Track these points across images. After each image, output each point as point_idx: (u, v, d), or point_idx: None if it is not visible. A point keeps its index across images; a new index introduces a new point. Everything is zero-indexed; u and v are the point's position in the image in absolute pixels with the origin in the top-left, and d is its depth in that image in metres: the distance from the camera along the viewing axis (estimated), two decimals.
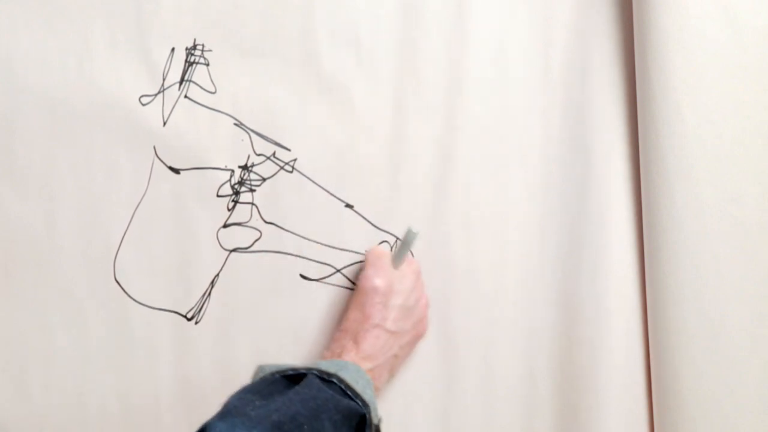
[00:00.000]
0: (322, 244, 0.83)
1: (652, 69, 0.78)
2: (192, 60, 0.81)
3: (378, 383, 0.75)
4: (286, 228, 0.83)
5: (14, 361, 0.80)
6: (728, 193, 0.77)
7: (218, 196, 0.82)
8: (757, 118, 0.77)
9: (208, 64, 0.82)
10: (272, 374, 0.66)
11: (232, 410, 0.60)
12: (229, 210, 0.82)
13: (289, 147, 0.83)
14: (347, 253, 0.83)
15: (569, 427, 0.83)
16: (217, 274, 0.82)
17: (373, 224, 0.83)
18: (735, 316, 0.77)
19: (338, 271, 0.83)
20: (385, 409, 0.83)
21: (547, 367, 0.84)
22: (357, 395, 0.66)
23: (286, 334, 0.82)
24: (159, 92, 0.81)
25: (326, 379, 0.66)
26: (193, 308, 0.81)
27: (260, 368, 0.69)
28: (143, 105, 0.81)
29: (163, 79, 0.81)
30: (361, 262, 0.83)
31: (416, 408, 0.84)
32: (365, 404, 0.66)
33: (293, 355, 0.82)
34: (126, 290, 0.80)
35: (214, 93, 0.82)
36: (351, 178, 0.83)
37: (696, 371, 0.77)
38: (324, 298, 0.83)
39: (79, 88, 0.80)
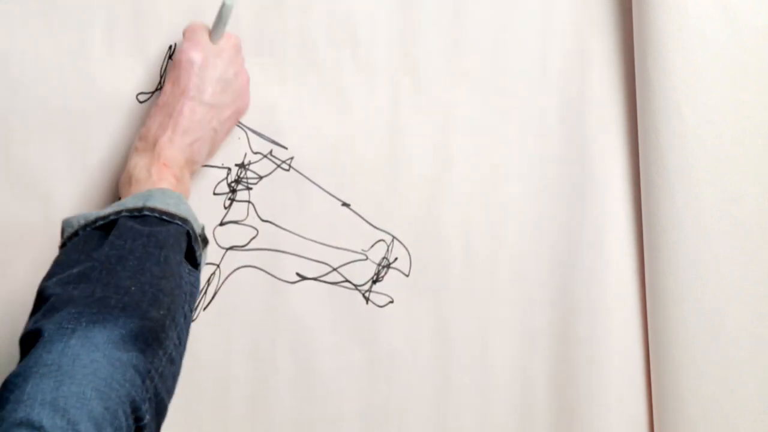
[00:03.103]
0: (318, 242, 0.83)
1: (652, 69, 0.78)
2: None
3: (198, 157, 0.75)
4: (282, 226, 0.82)
5: (9, 359, 0.79)
6: (728, 193, 0.77)
7: (215, 194, 0.82)
8: (757, 118, 0.77)
9: None
10: (82, 229, 0.65)
11: (55, 303, 0.58)
12: (225, 208, 0.82)
13: (286, 145, 0.83)
14: (344, 251, 0.83)
15: (567, 427, 0.83)
16: (214, 272, 0.81)
17: (369, 223, 0.83)
18: (735, 316, 0.77)
19: (335, 269, 0.83)
20: (379, 409, 0.83)
21: (544, 368, 0.84)
22: (174, 216, 0.66)
23: (283, 332, 0.82)
24: (156, 90, 0.81)
25: (138, 215, 0.65)
26: None
27: (66, 222, 0.67)
28: (140, 102, 0.81)
29: (161, 77, 0.81)
30: (358, 261, 0.83)
31: (412, 407, 0.83)
32: (184, 220, 0.66)
33: (289, 353, 0.82)
34: None
35: None
36: (348, 176, 0.83)
37: (696, 371, 0.77)
38: (320, 296, 0.82)
39: (76, 85, 0.80)
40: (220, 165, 0.81)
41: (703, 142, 0.77)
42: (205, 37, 0.76)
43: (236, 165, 0.82)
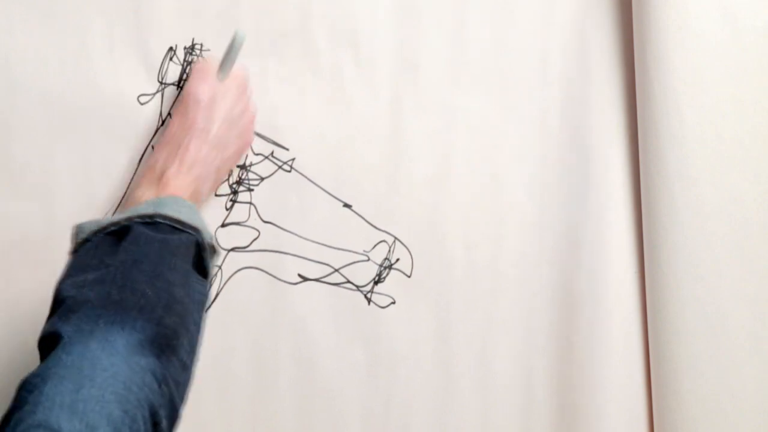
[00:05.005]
0: (320, 243, 0.83)
1: (652, 69, 0.78)
2: (190, 59, 0.81)
3: (201, 194, 0.75)
4: (284, 227, 0.82)
5: (11, 358, 0.79)
6: (728, 193, 0.77)
7: (216, 195, 0.82)
8: (757, 118, 0.77)
9: None
10: (94, 234, 0.65)
11: (71, 305, 0.58)
12: (227, 209, 0.82)
13: (287, 146, 0.83)
14: (345, 252, 0.83)
15: (568, 427, 0.83)
16: (215, 274, 0.81)
17: (371, 224, 0.83)
18: (735, 316, 0.77)
19: (336, 270, 0.83)
20: (381, 410, 0.83)
21: (545, 367, 0.84)
22: (185, 225, 0.66)
23: (284, 333, 0.82)
24: (157, 91, 0.81)
25: (150, 222, 0.65)
26: None
27: (78, 228, 0.66)
28: (142, 104, 0.81)
29: (162, 79, 0.81)
30: (359, 261, 0.83)
31: (414, 407, 0.84)
32: (196, 230, 0.67)
33: (291, 354, 0.82)
34: None
35: None
36: (349, 177, 0.83)
37: (696, 371, 0.78)
38: (322, 297, 0.83)
39: (77, 86, 0.80)
40: None
41: (703, 142, 0.77)
42: (213, 73, 0.76)
43: (238, 166, 0.82)
